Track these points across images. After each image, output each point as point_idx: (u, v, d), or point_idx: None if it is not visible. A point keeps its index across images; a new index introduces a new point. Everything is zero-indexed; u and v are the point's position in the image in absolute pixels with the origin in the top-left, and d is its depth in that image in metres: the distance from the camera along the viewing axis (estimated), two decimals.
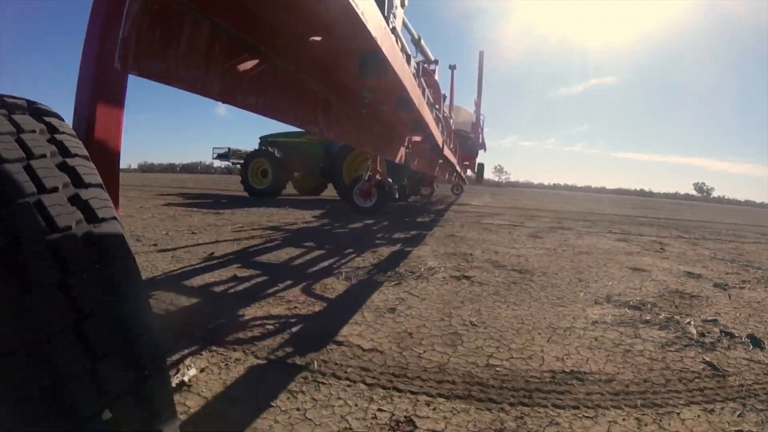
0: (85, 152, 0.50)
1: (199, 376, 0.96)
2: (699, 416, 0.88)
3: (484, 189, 25.53)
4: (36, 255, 0.39)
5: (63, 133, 0.49)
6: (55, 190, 0.43)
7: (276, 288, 1.73)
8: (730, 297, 1.93)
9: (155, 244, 2.55)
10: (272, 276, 1.93)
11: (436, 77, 3.64)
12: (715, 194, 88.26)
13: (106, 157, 0.70)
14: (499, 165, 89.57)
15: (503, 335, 1.29)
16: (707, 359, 1.18)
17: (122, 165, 0.82)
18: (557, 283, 2.02)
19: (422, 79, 2.25)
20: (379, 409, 0.85)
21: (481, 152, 10.56)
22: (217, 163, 10.96)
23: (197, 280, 1.81)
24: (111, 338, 0.43)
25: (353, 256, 2.49)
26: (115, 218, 0.48)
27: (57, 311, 0.39)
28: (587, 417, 0.86)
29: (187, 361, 1.01)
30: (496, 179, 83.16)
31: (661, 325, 1.45)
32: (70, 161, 0.47)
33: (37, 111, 0.49)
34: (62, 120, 0.52)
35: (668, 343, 1.29)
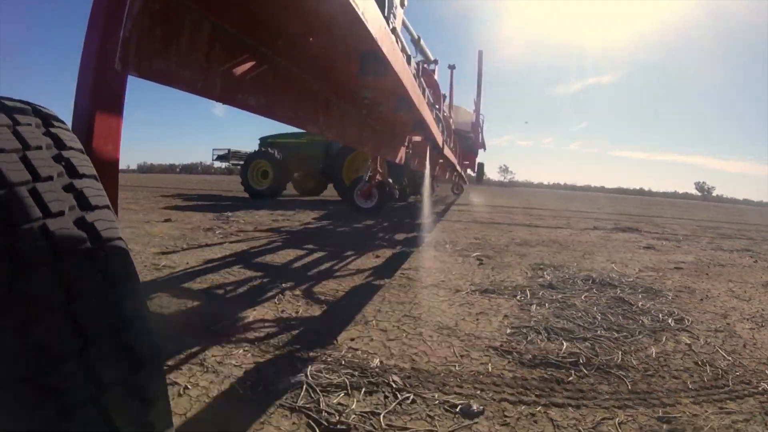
0: (93, 170, 0.50)
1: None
2: None
3: (496, 190, 25.21)
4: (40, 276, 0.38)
5: (70, 148, 0.49)
6: (61, 214, 0.42)
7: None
8: None
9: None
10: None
11: (436, 77, 3.64)
12: (715, 193, 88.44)
13: (106, 160, 0.70)
14: (504, 165, 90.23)
15: None
16: None
17: (121, 165, 0.82)
18: None
19: (422, 79, 2.25)
20: None
21: (481, 151, 10.57)
22: (218, 164, 10.96)
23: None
24: (114, 360, 0.42)
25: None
26: (120, 238, 0.48)
27: (60, 334, 0.39)
28: None
29: None
30: (502, 179, 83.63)
31: None
32: (77, 182, 0.47)
33: (42, 117, 0.49)
34: (67, 128, 0.52)
35: None
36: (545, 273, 2.19)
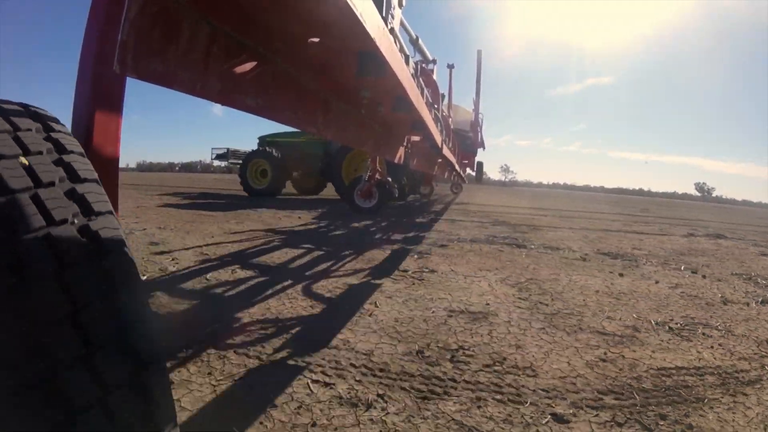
0: (92, 171, 0.50)
1: None
2: None
3: (505, 190, 24.62)
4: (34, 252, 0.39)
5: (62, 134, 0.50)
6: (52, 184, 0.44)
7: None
8: None
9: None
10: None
11: (435, 77, 3.63)
12: (714, 194, 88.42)
13: (105, 160, 0.70)
14: (506, 165, 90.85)
15: None
16: None
17: (120, 164, 0.83)
18: None
19: (420, 79, 2.25)
20: None
21: (480, 150, 10.57)
22: (217, 163, 10.95)
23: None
24: (110, 339, 0.43)
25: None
26: (123, 242, 0.48)
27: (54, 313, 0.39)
28: None
29: None
30: (503, 178, 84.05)
31: None
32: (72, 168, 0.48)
33: (37, 117, 0.49)
34: (62, 125, 0.52)
35: None
36: (758, 282, 2.46)
